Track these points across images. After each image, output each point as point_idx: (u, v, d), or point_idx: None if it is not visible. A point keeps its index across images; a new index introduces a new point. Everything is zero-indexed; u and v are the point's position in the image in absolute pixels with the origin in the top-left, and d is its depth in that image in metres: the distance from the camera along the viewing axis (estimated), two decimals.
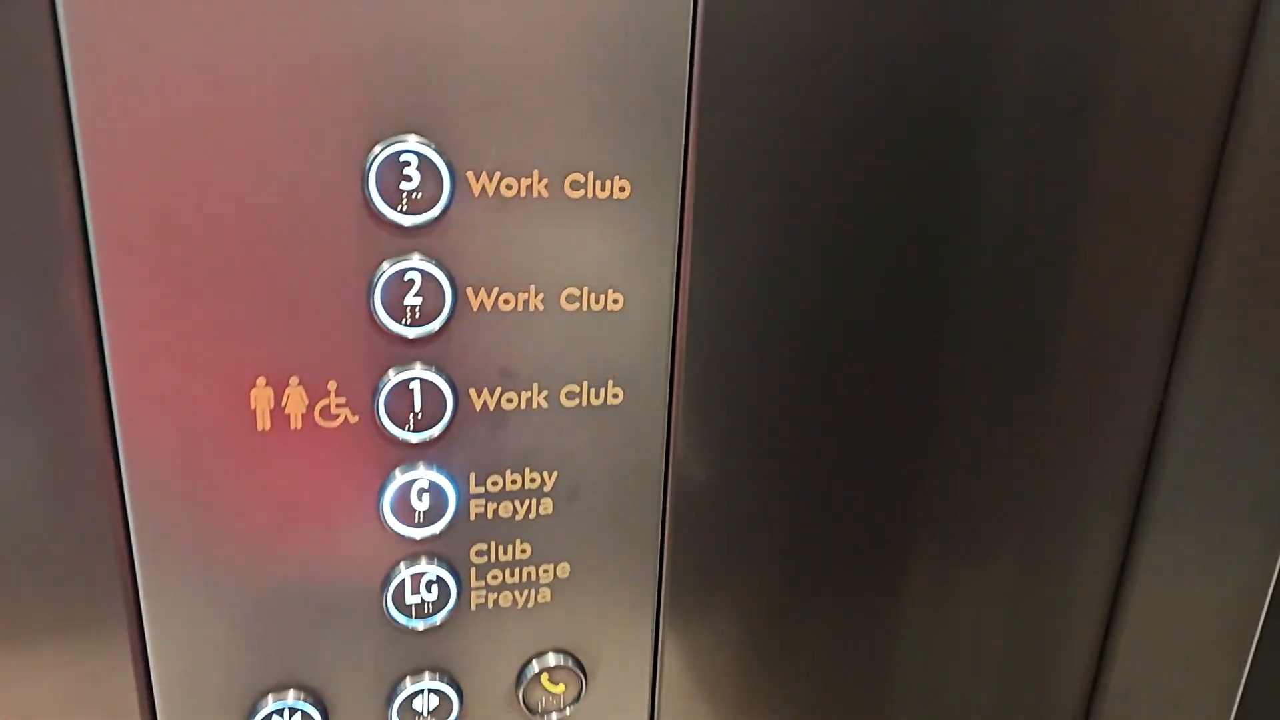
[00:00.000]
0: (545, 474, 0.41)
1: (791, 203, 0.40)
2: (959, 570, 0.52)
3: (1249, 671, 0.53)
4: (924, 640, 0.54)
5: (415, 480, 0.39)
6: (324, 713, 0.42)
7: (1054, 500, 0.52)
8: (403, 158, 0.35)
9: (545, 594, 0.44)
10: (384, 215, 0.35)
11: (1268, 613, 0.51)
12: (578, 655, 0.45)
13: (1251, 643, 0.52)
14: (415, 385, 0.38)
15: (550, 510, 0.42)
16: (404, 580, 0.41)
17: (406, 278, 0.36)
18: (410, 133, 0.35)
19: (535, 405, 0.40)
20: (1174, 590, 0.54)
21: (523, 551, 0.42)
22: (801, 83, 0.39)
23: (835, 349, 0.44)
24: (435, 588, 0.41)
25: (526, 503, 0.42)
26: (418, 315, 0.37)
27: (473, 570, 0.42)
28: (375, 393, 0.38)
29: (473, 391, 0.39)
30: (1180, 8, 0.43)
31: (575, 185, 0.37)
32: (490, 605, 0.43)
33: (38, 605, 0.37)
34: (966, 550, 0.52)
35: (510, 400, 0.40)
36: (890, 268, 0.43)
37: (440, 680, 0.43)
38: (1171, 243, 0.47)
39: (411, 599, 0.41)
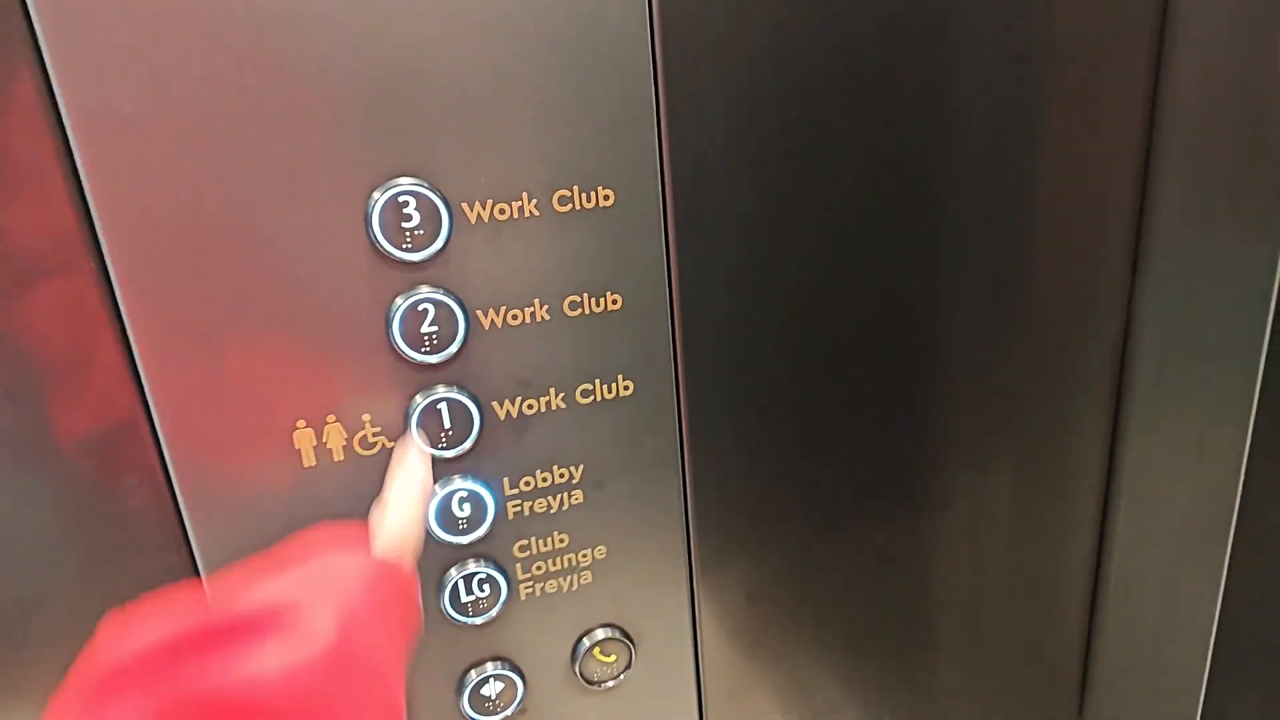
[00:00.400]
0: (572, 468, 0.45)
1: (765, 185, 0.43)
2: (961, 489, 0.56)
3: (1230, 556, 0.57)
4: (937, 561, 0.58)
5: (455, 491, 0.42)
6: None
7: (1042, 412, 0.56)
8: (401, 198, 0.37)
9: (587, 576, 0.47)
10: (390, 254, 0.38)
11: (1241, 502, 0.55)
12: (624, 627, 0.49)
13: (1229, 530, 0.56)
14: (442, 406, 0.41)
15: (581, 500, 0.45)
16: (457, 583, 0.44)
17: (420, 309, 0.39)
18: (404, 175, 0.37)
19: (554, 407, 0.43)
20: (1159, 486, 0.57)
21: (561, 541, 0.46)
22: (762, 72, 0.41)
23: (822, 308, 0.47)
24: (487, 585, 0.45)
25: (559, 496, 0.45)
26: (435, 341, 0.40)
27: (518, 565, 0.45)
28: (407, 417, 0.40)
29: (495, 403, 0.42)
30: None
31: (563, 200, 0.40)
32: (539, 593, 0.46)
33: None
34: (967, 468, 0.55)
35: (531, 406, 0.43)
36: (866, 224, 0.46)
37: (503, 667, 0.47)
38: (1122, 161, 0.50)
39: (466, 598, 0.45)
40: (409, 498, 0.39)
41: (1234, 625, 0.62)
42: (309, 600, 0.31)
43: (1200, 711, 0.63)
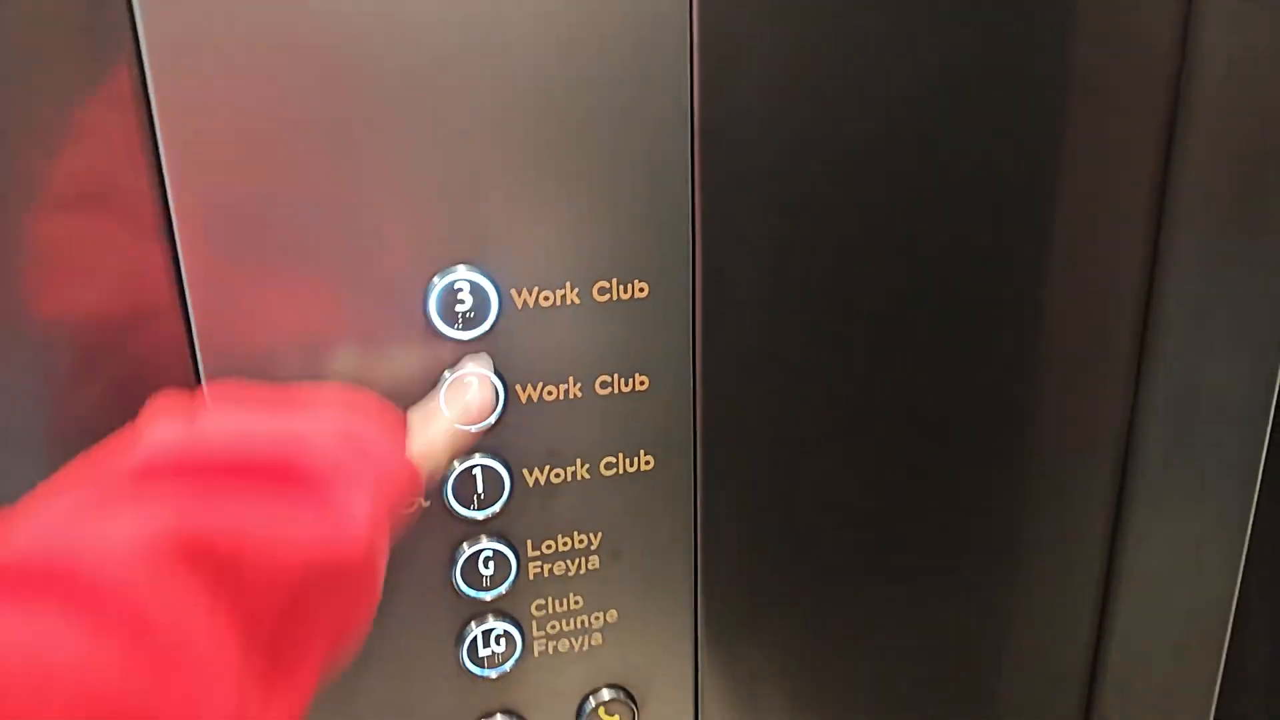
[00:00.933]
0: (591, 535, 0.48)
1: (790, 284, 0.47)
2: (968, 579, 0.58)
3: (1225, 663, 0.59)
4: (941, 651, 0.59)
5: (481, 550, 0.45)
6: None
7: (1045, 511, 0.58)
8: (456, 285, 0.41)
9: (598, 638, 0.50)
10: (443, 333, 0.42)
11: (1237, 607, 0.57)
12: (629, 689, 0.51)
13: (1224, 638, 0.58)
14: (477, 471, 0.44)
15: (598, 565, 0.48)
16: (476, 636, 0.47)
17: (464, 382, 0.43)
18: (460, 263, 0.41)
19: (579, 477, 0.46)
20: (1158, 586, 0.59)
21: (576, 603, 0.49)
22: (790, 181, 0.45)
23: (837, 406, 0.50)
24: (503, 640, 0.47)
25: (577, 561, 0.48)
26: None
27: (534, 622, 0.48)
28: (444, 481, 0.44)
29: (525, 470, 0.45)
30: None
31: (602, 290, 0.44)
32: (551, 651, 0.49)
33: None
34: (973, 558, 0.57)
35: (558, 475, 0.46)
36: (882, 328, 0.49)
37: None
38: (1128, 260, 0.53)
39: (484, 652, 0.47)
40: (462, 412, 0.39)
41: None
42: (351, 478, 0.31)
43: None
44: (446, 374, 0.42)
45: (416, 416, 0.41)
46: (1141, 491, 0.58)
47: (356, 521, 0.31)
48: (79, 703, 0.23)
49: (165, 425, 0.32)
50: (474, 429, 0.42)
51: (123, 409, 0.35)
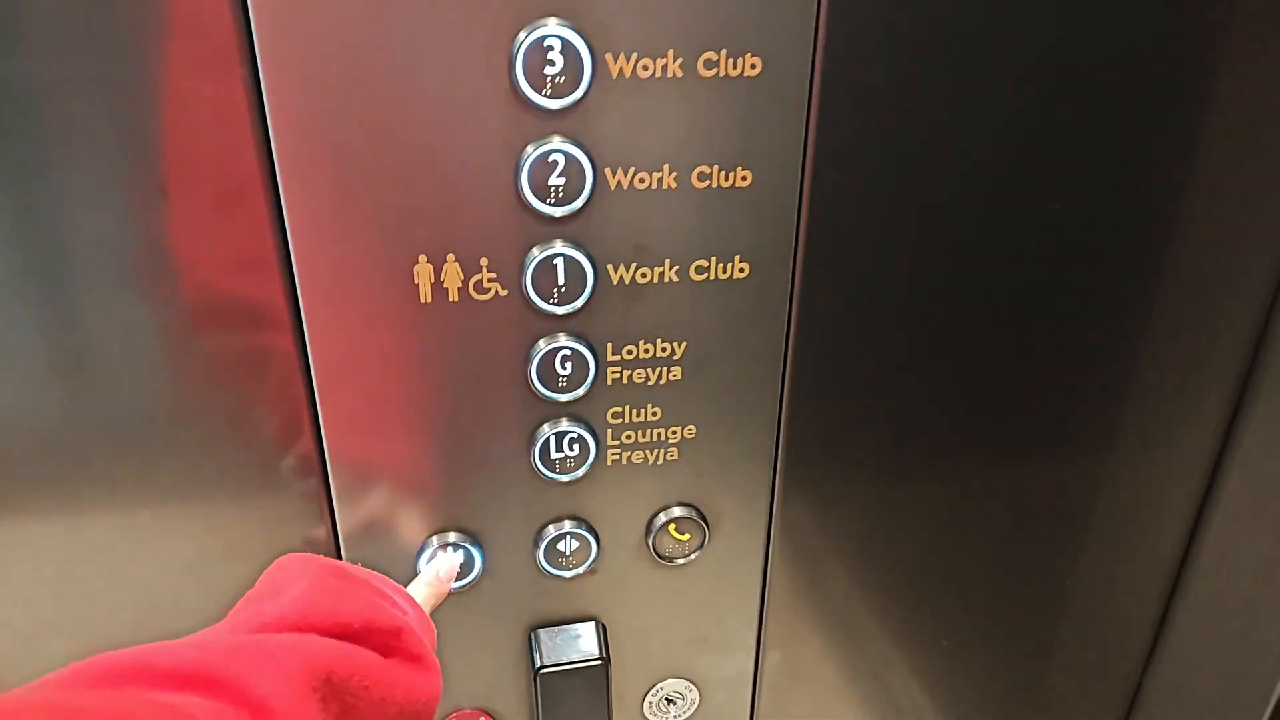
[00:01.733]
0: (676, 344, 0.44)
1: (922, 81, 0.41)
2: (1064, 453, 0.54)
3: None
4: (1022, 518, 0.56)
5: (560, 349, 0.43)
6: (482, 550, 0.47)
7: (1164, 392, 0.53)
8: (546, 42, 0.36)
9: (673, 453, 0.47)
10: (530, 99, 0.37)
11: None
12: (702, 509, 0.50)
13: None
14: (559, 261, 0.41)
15: (680, 377, 0.45)
16: (549, 438, 0.45)
17: (550, 159, 0.39)
18: (551, 16, 0.36)
19: (667, 279, 0.43)
20: (1255, 500, 0.54)
21: (654, 414, 0.46)
22: None
23: (957, 229, 0.45)
24: (576, 445, 0.45)
25: (658, 370, 0.45)
26: (560, 195, 0.39)
27: (609, 430, 0.46)
28: (522, 269, 0.41)
29: (610, 267, 0.42)
30: None
31: (709, 64, 0.38)
32: (624, 462, 0.47)
33: (241, 461, 0.43)
34: (1074, 432, 0.53)
35: (644, 275, 0.42)
36: (1017, 151, 0.43)
37: (580, 527, 0.48)
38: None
39: (555, 455, 0.46)
40: (435, 577, 0.45)
41: None
42: (429, 640, 0.39)
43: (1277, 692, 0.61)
44: (529, 148, 0.38)
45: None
46: (1259, 406, 0.53)
47: (436, 671, 0.39)
48: None
49: (303, 585, 0.36)
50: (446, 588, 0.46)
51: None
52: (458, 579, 0.47)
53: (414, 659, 0.37)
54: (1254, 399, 0.55)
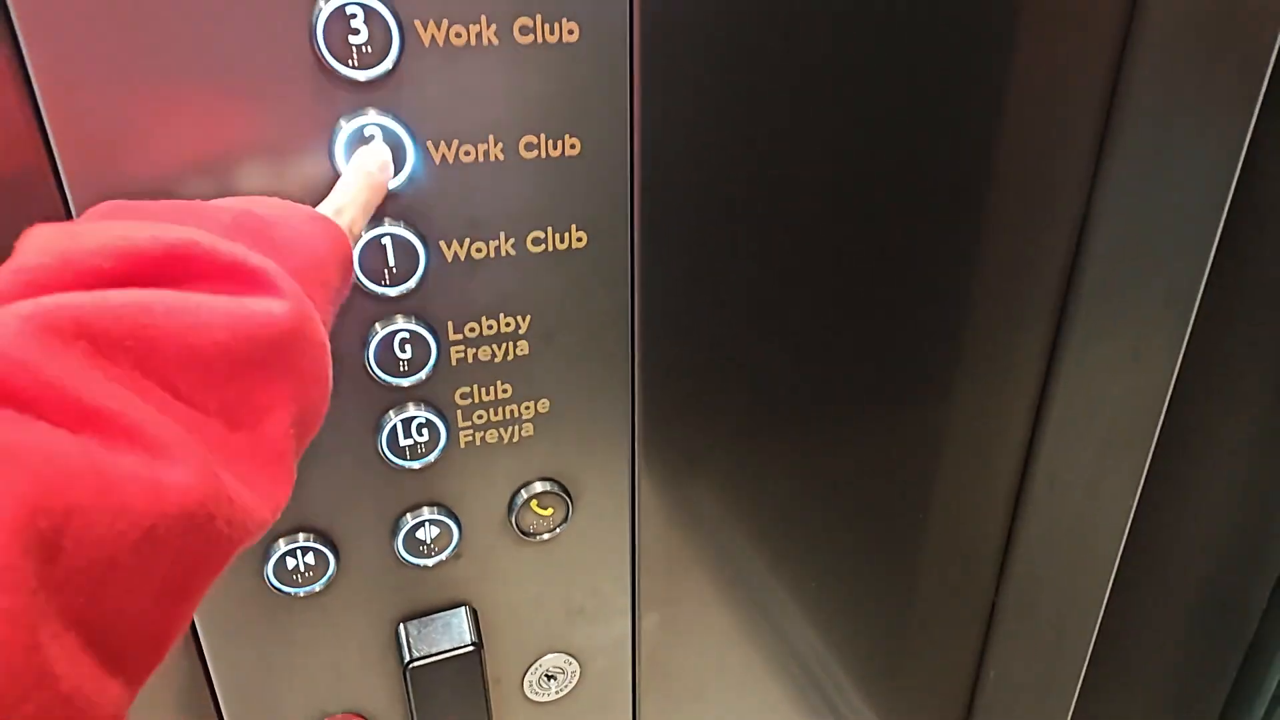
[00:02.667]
0: (519, 318, 0.44)
1: (743, 41, 0.41)
2: (903, 378, 0.56)
3: (1152, 456, 0.59)
4: (871, 444, 0.59)
5: (396, 332, 0.41)
6: (334, 550, 0.46)
7: (990, 308, 0.56)
8: (349, 9, 0.35)
9: (529, 429, 0.47)
10: (336, 71, 0.35)
11: (1171, 401, 0.57)
12: (563, 482, 0.49)
13: (1155, 428, 0.58)
14: (386, 241, 0.39)
15: (527, 351, 0.45)
16: (395, 425, 0.44)
17: (365, 133, 0.37)
18: None
19: (504, 253, 0.42)
20: (1095, 384, 0.59)
21: (504, 391, 0.45)
22: None
23: (788, 188, 0.46)
24: (426, 430, 0.44)
25: (504, 346, 0.44)
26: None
27: (459, 412, 0.45)
28: None
29: (443, 243, 0.41)
30: None
31: (524, 30, 0.38)
32: (478, 442, 0.46)
33: None
34: (910, 358, 0.56)
35: (479, 249, 0.41)
36: (839, 97, 0.44)
37: (439, 512, 0.47)
38: (1091, 71, 0.49)
39: (405, 441, 0.44)
40: (358, 168, 0.36)
41: (1146, 521, 0.65)
42: (252, 250, 0.29)
43: (1107, 596, 0.67)
44: (342, 122, 0.36)
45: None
46: (1084, 302, 0.57)
47: (275, 291, 0.28)
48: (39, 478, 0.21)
49: (40, 238, 0.27)
50: (384, 180, 0.37)
51: None
52: (311, 581, 0.45)
53: (228, 277, 0.28)
54: (1066, 339, 0.59)
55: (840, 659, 0.69)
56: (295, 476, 0.30)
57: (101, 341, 0.24)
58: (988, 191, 0.51)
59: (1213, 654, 0.74)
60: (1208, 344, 0.58)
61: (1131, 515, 0.65)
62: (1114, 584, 0.68)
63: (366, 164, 0.36)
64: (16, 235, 0.28)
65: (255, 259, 0.28)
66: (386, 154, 0.37)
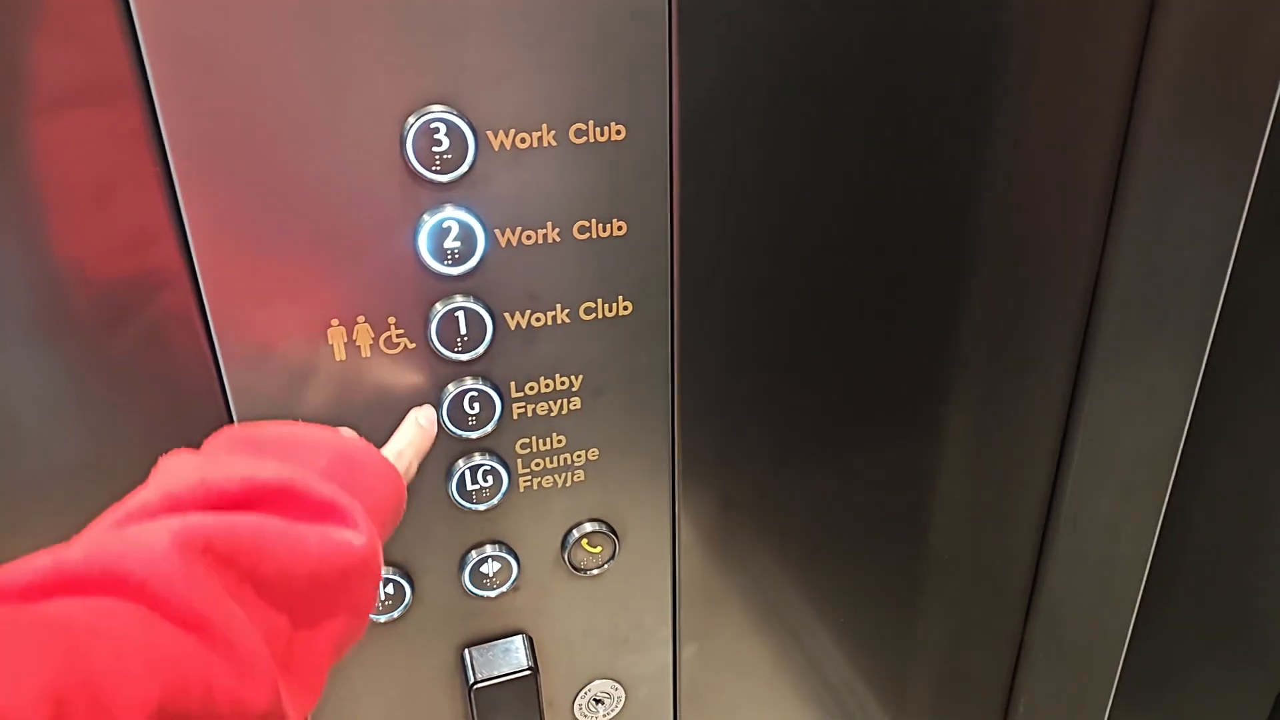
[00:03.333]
0: (573, 377, 0.49)
1: (766, 130, 0.47)
2: (932, 423, 0.61)
3: (1170, 495, 0.63)
4: (901, 485, 0.63)
5: (467, 391, 0.47)
6: (410, 581, 0.51)
7: (1014, 352, 0.60)
8: (432, 125, 0.41)
9: (580, 475, 0.52)
10: (421, 174, 0.42)
11: (1185, 442, 0.60)
12: (610, 522, 0.55)
13: (1172, 471, 0.62)
14: (460, 313, 0.45)
15: (579, 406, 0.50)
16: (464, 472, 0.49)
17: (444, 225, 0.43)
18: (437, 103, 0.41)
19: (560, 321, 0.48)
20: (1113, 427, 0.63)
21: (559, 441, 0.51)
22: (769, 22, 0.44)
23: (810, 247, 0.51)
24: (490, 476, 0.50)
25: (559, 402, 0.50)
26: (457, 255, 0.44)
27: (519, 460, 0.51)
28: (427, 323, 0.45)
29: (507, 314, 0.47)
30: None
31: (579, 133, 0.44)
32: (536, 487, 0.52)
33: None
34: (939, 404, 0.60)
35: (539, 319, 0.47)
36: (858, 171, 0.50)
37: (501, 550, 0.53)
38: (1102, 122, 0.54)
39: (471, 487, 0.50)
40: (413, 420, 0.45)
41: (1168, 557, 0.68)
42: (345, 492, 0.35)
43: (1131, 630, 0.70)
44: (425, 216, 0.43)
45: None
46: (1100, 351, 0.61)
47: (355, 527, 0.35)
48: (153, 673, 0.26)
49: (179, 464, 0.34)
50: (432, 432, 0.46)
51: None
52: (390, 609, 0.51)
53: (320, 514, 0.34)
54: (1086, 382, 0.63)
55: (872, 690, 0.72)
56: (323, 688, 0.35)
57: (223, 555, 0.30)
58: (1010, 249, 0.55)
59: (1237, 689, 0.76)
60: (1219, 388, 0.62)
61: (1152, 552, 0.68)
62: (1137, 618, 0.71)
63: (420, 418, 0.45)
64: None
65: (344, 499, 0.35)
66: (432, 411, 0.46)
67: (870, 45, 0.46)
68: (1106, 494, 0.66)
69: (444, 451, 0.49)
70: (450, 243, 0.44)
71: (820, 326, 0.54)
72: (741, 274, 0.50)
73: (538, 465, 0.51)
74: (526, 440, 0.50)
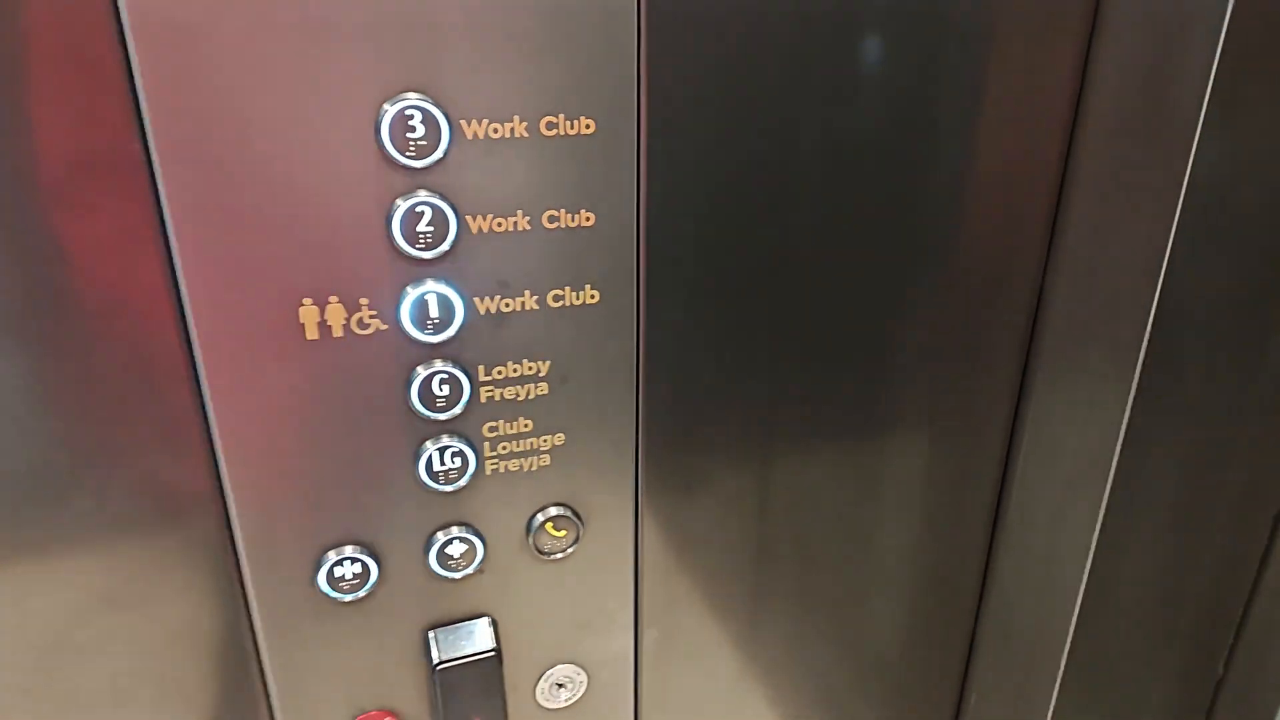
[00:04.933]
0: (540, 363, 0.51)
1: (733, 126, 0.49)
2: (886, 425, 0.63)
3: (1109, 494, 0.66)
4: (857, 483, 0.65)
5: (436, 373, 0.49)
6: (377, 560, 0.53)
7: (962, 366, 0.63)
8: (407, 112, 0.42)
9: (546, 459, 0.54)
10: (396, 160, 0.43)
11: (1123, 446, 0.63)
12: (575, 507, 0.56)
13: (1110, 468, 0.65)
14: (431, 297, 0.47)
15: (546, 391, 0.52)
16: (432, 454, 0.51)
17: (418, 210, 0.45)
18: (413, 90, 0.42)
19: (528, 308, 0.49)
20: (1057, 431, 0.65)
21: (526, 426, 0.52)
22: (737, 25, 0.46)
23: (772, 248, 0.53)
24: (458, 458, 0.51)
25: (527, 387, 0.51)
26: (429, 240, 0.45)
27: (486, 443, 0.52)
28: (399, 305, 0.46)
29: (477, 299, 0.48)
30: None
31: (549, 125, 0.45)
32: (502, 470, 0.53)
33: (132, 489, 0.47)
34: (894, 408, 0.63)
35: (508, 305, 0.49)
36: (822, 179, 0.52)
37: (467, 531, 0.54)
38: (1043, 158, 0.56)
39: (439, 468, 0.51)
40: None
41: (1110, 552, 0.71)
42: None
43: (1076, 615, 0.73)
44: (399, 201, 0.44)
45: None
46: (1044, 356, 0.64)
47: None
48: None
49: None
50: None
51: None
52: (355, 588, 0.52)
53: None
54: (1033, 379, 0.66)
55: (828, 682, 0.74)
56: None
57: None
58: (960, 265, 0.58)
59: (1177, 679, 0.79)
60: (1152, 394, 0.65)
61: (1094, 546, 0.71)
62: (1081, 612, 0.73)
63: None
64: None
65: None
66: None
67: (832, 48, 0.49)
68: (1051, 491, 0.69)
69: (414, 432, 0.50)
70: (423, 227, 0.45)
71: (778, 322, 0.56)
72: (705, 267, 0.52)
73: (504, 448, 0.53)
74: (494, 423, 0.52)
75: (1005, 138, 0.55)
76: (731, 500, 0.62)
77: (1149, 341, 0.61)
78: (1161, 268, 0.56)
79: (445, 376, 0.49)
